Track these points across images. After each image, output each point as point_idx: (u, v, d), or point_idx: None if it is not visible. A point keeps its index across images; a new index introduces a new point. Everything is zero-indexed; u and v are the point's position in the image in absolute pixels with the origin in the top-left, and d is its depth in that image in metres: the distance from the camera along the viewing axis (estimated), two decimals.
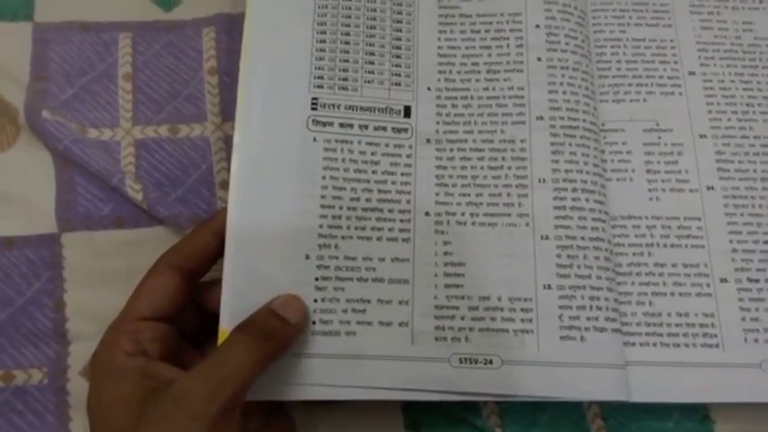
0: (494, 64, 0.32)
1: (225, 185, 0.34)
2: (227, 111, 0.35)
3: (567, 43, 0.32)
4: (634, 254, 0.31)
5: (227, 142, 0.35)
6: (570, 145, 0.31)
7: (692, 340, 0.29)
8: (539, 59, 0.32)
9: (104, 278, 0.32)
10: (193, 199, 0.34)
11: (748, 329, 0.29)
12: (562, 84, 0.32)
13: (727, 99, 0.33)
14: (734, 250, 0.31)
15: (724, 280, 0.30)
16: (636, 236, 0.31)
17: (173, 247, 0.28)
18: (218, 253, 0.28)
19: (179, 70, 0.36)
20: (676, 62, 0.34)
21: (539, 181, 0.30)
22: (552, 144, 0.31)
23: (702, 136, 0.33)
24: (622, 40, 0.35)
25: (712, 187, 0.32)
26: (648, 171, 0.32)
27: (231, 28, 0.37)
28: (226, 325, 0.27)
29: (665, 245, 0.31)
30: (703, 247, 0.31)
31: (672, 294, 0.30)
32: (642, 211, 0.31)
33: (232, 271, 0.28)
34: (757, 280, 0.30)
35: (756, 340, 0.29)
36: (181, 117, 0.35)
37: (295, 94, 0.31)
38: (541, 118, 0.31)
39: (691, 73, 0.34)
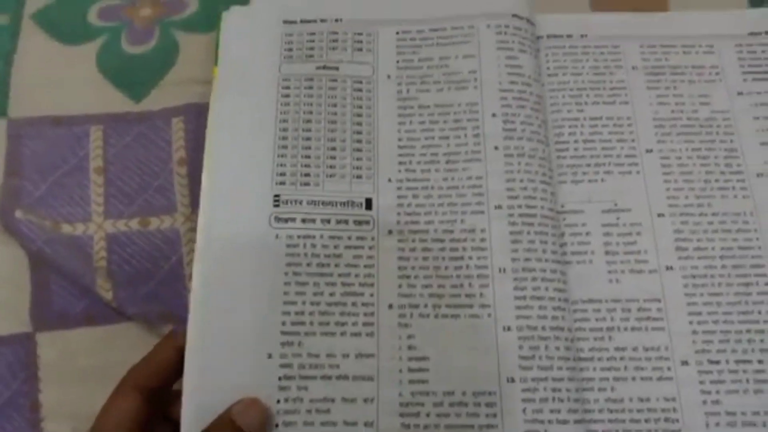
0: (453, 153, 0.33)
1: None
2: (196, 201, 0.35)
3: (523, 130, 0.33)
4: (595, 339, 0.31)
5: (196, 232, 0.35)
6: (528, 233, 0.31)
7: (654, 426, 0.29)
8: (496, 148, 0.33)
9: (78, 376, 0.33)
10: (164, 292, 0.34)
11: (709, 413, 0.30)
12: (519, 172, 0.32)
13: (684, 176, 0.34)
14: (694, 332, 0.31)
15: (685, 363, 0.31)
16: (596, 320, 0.31)
17: (136, 366, 0.29)
18: (181, 369, 0.29)
19: (149, 161, 0.37)
20: (633, 140, 0.35)
21: (500, 270, 0.31)
22: (511, 233, 0.31)
23: (660, 215, 0.33)
24: (579, 119, 0.35)
25: (671, 267, 0.32)
26: (607, 252, 0.33)
27: (199, 116, 0.37)
28: None
29: (626, 329, 0.31)
30: (663, 329, 0.31)
31: (633, 379, 0.30)
32: (602, 295, 0.32)
33: (193, 375, 0.29)
34: (717, 362, 0.31)
35: (717, 424, 0.29)
36: (152, 209, 0.36)
37: (258, 192, 0.32)
38: (499, 207, 0.32)
39: (649, 151, 0.35)
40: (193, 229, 0.35)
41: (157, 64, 0.39)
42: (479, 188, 0.32)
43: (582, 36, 0.37)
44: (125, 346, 0.31)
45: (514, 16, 0.35)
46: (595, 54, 0.37)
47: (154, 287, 0.34)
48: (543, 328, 0.30)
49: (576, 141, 0.35)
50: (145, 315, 0.33)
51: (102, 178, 0.37)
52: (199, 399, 0.28)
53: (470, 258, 0.31)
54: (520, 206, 0.32)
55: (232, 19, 0.36)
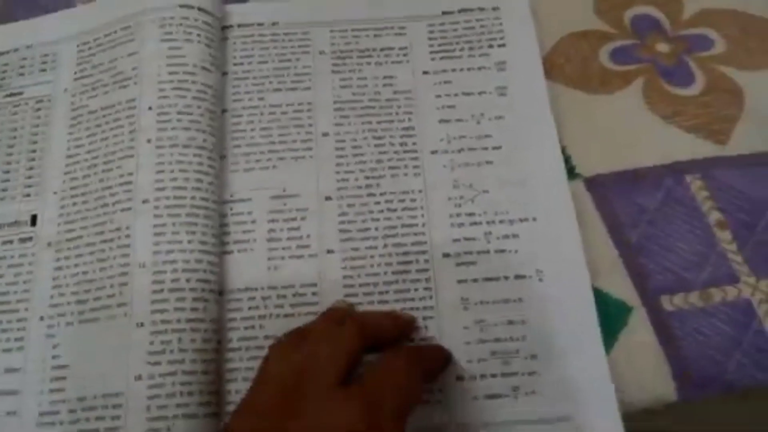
0: (110, 154, 0.33)
1: None
2: None
3: (179, 120, 0.32)
4: (245, 328, 0.30)
5: None
6: (174, 225, 0.30)
7: None
8: (149, 141, 0.32)
9: None
10: None
11: None
12: (170, 163, 0.31)
13: (357, 158, 0.34)
14: None
15: None
16: (249, 309, 0.31)
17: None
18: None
19: None
20: (311, 125, 0.34)
21: (140, 266, 0.30)
22: (154, 226, 0.30)
23: (327, 198, 0.33)
24: (259, 107, 0.35)
25: (332, 251, 0.32)
26: (270, 240, 0.32)
27: None
28: None
29: (278, 315, 0.30)
30: (315, 314, 0.30)
31: None
32: (259, 282, 0.31)
33: None
34: None
35: None
36: None
37: None
38: (146, 201, 0.31)
39: (325, 135, 0.34)
40: None
41: None
42: (129, 185, 0.31)
43: (273, 24, 0.37)
44: None
45: (182, 6, 0.34)
46: (283, 41, 0.37)
47: None
48: (179, 320, 0.29)
49: (253, 129, 0.34)
50: None
51: None
52: None
53: (114, 258, 0.30)
54: (167, 198, 0.31)
55: None
